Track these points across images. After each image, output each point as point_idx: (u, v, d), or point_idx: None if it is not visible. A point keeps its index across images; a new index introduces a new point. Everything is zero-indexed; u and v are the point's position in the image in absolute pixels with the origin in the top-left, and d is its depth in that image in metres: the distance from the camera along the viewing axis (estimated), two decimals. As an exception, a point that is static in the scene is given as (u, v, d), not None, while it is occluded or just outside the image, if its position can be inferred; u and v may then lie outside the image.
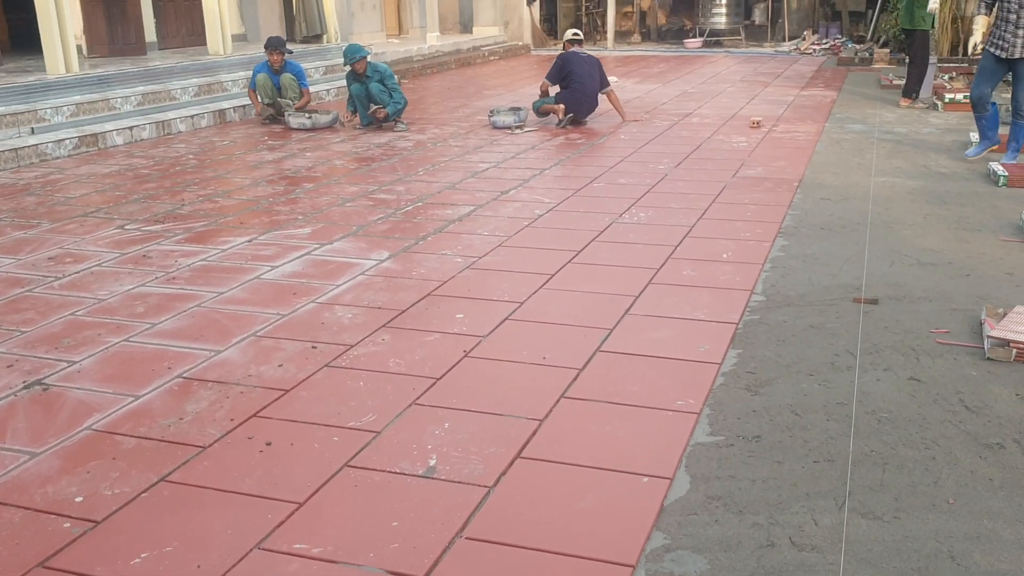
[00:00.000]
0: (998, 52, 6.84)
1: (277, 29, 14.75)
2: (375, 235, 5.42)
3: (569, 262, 4.83)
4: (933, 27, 10.33)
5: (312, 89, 10.78)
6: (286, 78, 9.71)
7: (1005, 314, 3.71)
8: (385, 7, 17.63)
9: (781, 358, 3.53)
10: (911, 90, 10.22)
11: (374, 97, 9.19)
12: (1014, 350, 3.43)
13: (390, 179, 7.00)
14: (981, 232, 5.24)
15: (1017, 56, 6.77)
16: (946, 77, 11.28)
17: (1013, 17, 6.72)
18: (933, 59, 10.81)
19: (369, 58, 9.31)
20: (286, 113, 9.58)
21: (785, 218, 5.62)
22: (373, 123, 9.27)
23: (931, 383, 3.28)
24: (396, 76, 9.46)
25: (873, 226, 5.34)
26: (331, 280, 4.57)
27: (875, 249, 4.90)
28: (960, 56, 13.85)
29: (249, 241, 5.31)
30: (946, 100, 9.73)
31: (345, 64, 9.22)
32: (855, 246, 4.98)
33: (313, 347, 3.71)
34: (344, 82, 12.44)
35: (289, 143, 8.70)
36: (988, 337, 3.53)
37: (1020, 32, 6.72)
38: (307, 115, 9.49)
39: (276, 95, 9.76)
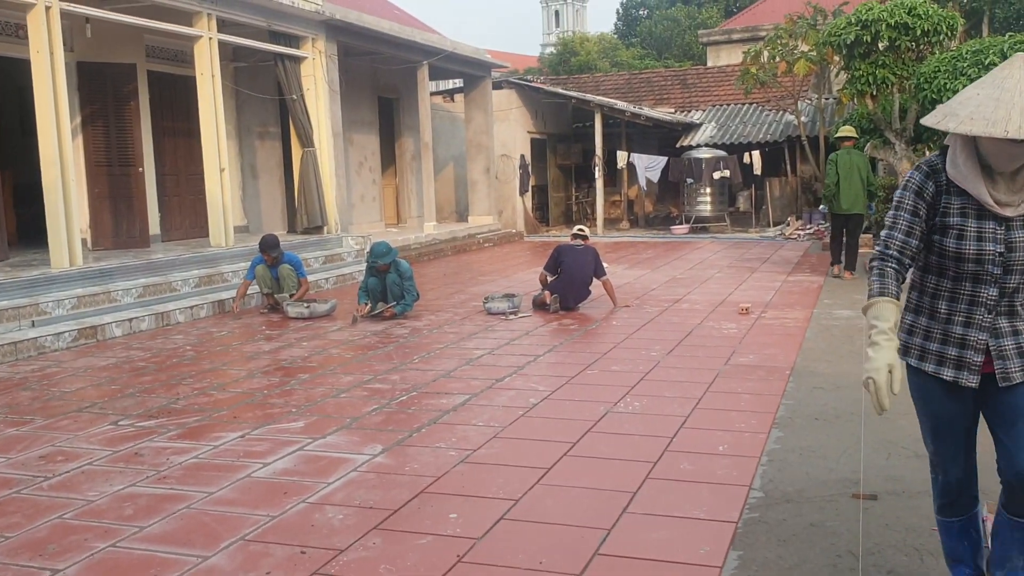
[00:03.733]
0: (956, 376, 2.80)
1: (279, 221, 15.25)
2: (369, 428, 5.40)
3: (565, 455, 4.79)
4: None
5: (311, 278, 11.02)
6: (284, 269, 9.95)
7: (1007, 510, 3.64)
8: (384, 198, 18.33)
9: (783, 560, 3.45)
10: (851, 264, 11.81)
11: (389, 290, 9.39)
12: (1019, 549, 3.34)
13: (385, 368, 7.05)
14: (975, 421, 5.23)
15: (1016, 379, 2.78)
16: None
17: (985, 293, 2.74)
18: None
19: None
20: (284, 303, 9.75)
21: (779, 408, 5.62)
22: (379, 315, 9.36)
23: (938, 586, 3.20)
24: (413, 274, 9.65)
25: (867, 416, 5.34)
26: (323, 477, 4.52)
27: (871, 440, 4.88)
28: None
29: (242, 436, 5.28)
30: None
31: (371, 261, 9.42)
32: (850, 437, 4.96)
33: (302, 552, 3.61)
34: (344, 271, 12.78)
35: (287, 332, 8.81)
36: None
37: (1004, 322, 2.77)
38: (305, 304, 9.66)
39: (275, 286, 9.97)
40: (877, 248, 2.80)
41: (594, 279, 9.71)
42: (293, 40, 13.39)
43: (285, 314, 9.67)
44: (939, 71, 10.73)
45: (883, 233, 2.79)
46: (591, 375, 6.66)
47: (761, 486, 4.27)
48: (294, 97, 13.38)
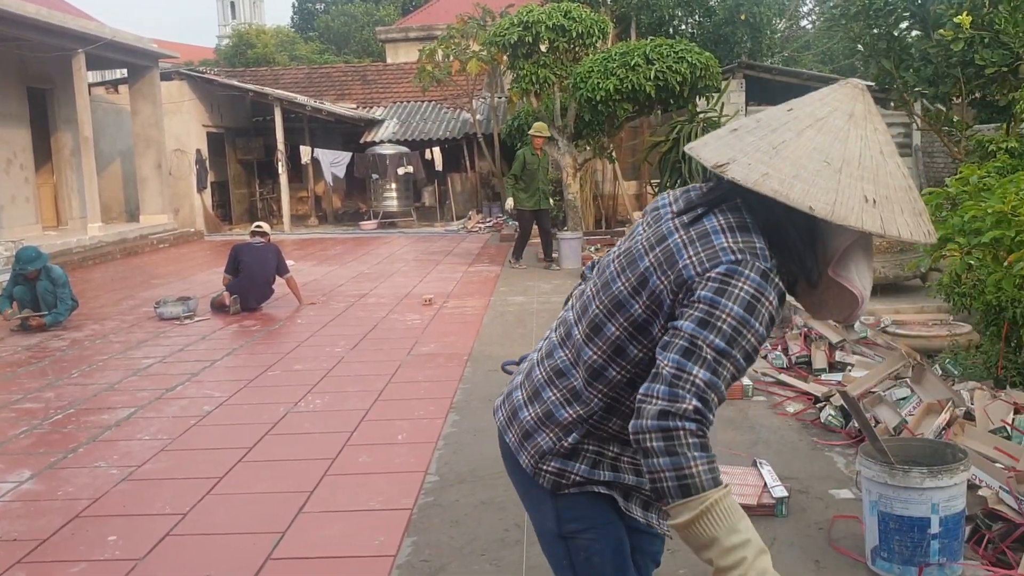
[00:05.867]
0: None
1: (-95, 226, 13.30)
2: (15, 452, 4.85)
3: (239, 461, 4.61)
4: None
5: (-53, 290, 9.69)
6: (-88, 281, 8.69)
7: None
8: (40, 198, 16.59)
9: (454, 540, 3.56)
10: (517, 255, 12.21)
11: (41, 299, 8.47)
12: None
13: (38, 385, 6.38)
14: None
15: None
16: (592, 248, 12.57)
17: None
18: (576, 234, 12.14)
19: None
20: (-87, 320, 8.51)
21: (456, 393, 5.80)
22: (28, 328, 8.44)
23: (592, 546, 3.45)
24: (68, 280, 8.82)
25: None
26: (-44, 514, 3.99)
27: (539, 417, 5.17)
28: (603, 229, 15.55)
29: None
30: (594, 269, 10.79)
31: (17, 268, 8.42)
32: (521, 416, 5.22)
33: (-75, 601, 3.17)
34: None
35: (-85, 354, 7.69)
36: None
37: None
38: (-61, 320, 8.49)
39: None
40: (694, 403, 1.54)
41: (277, 277, 9.45)
42: (-87, 20, 11.71)
43: (-86, 333, 8.44)
44: (592, 71, 11.61)
45: (703, 376, 1.55)
46: (272, 376, 6.47)
47: (437, 470, 4.37)
48: (-82, 85, 11.70)
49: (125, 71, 18.74)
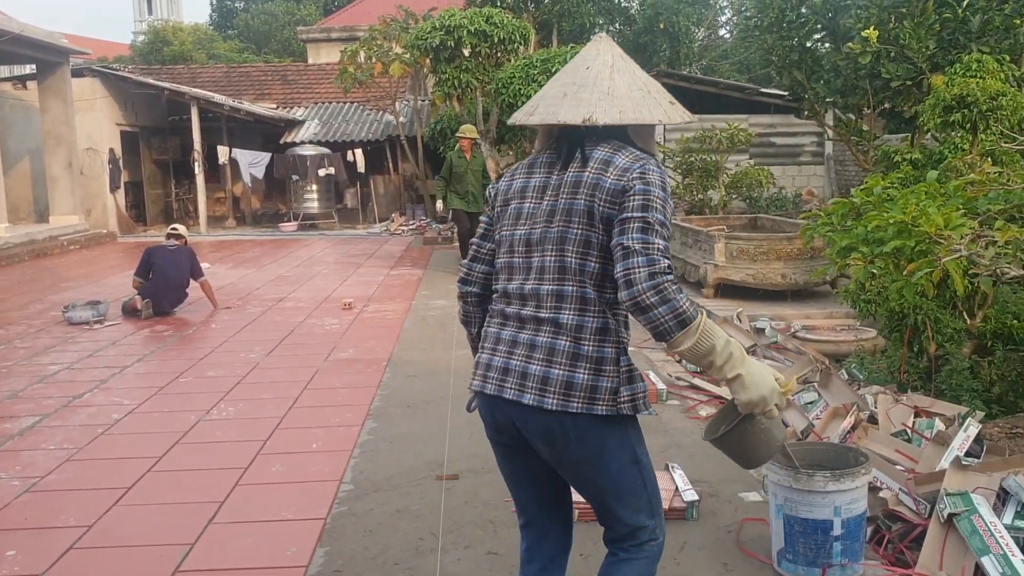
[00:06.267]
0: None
1: None
2: (-91, 466, 4.64)
3: (148, 471, 4.49)
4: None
5: None
6: None
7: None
8: (-60, 197, 15.91)
9: (368, 550, 3.53)
10: (464, 253, 11.79)
11: None
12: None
13: (-65, 395, 6.12)
14: (547, 396, 5.75)
15: None
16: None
17: None
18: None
19: None
20: None
21: (374, 399, 5.76)
22: None
23: (507, 554, 3.46)
24: None
25: (454, 400, 5.64)
26: None
27: (456, 423, 5.16)
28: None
29: None
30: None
31: None
32: (439, 422, 5.21)
33: None
34: None
35: None
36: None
37: None
38: None
39: None
40: (666, 262, 2.07)
41: (192, 281, 9.24)
42: None
43: None
44: (514, 77, 11.65)
45: (660, 243, 2.08)
46: (184, 383, 6.32)
47: (352, 479, 4.33)
48: None
49: (34, 67, 18.09)
